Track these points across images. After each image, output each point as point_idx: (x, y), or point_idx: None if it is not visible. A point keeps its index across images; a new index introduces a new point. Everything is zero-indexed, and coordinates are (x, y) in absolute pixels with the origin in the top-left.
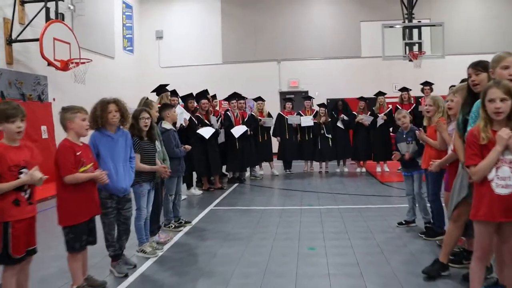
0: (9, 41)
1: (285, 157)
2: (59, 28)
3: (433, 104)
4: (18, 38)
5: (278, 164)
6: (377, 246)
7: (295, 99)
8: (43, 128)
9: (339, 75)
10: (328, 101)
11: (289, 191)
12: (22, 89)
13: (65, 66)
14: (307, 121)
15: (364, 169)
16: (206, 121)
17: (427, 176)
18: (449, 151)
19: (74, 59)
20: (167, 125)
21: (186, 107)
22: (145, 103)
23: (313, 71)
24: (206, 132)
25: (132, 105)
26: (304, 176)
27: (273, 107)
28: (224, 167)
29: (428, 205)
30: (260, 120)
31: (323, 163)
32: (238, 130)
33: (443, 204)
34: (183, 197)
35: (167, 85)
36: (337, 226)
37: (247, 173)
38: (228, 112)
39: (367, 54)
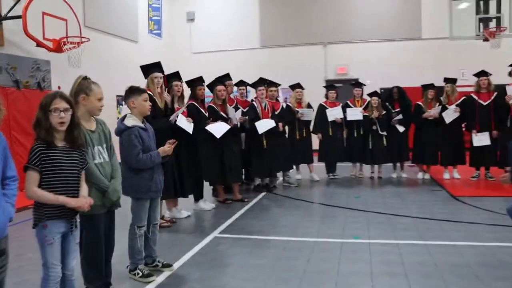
0: None
1: (328, 159)
2: (52, 1)
3: None
4: (9, 15)
5: (320, 166)
6: None
7: (343, 88)
8: None
9: (395, 60)
10: (382, 90)
11: (330, 208)
12: (15, 75)
13: (58, 46)
14: (354, 114)
15: (428, 175)
16: (222, 113)
17: None
18: None
19: (68, 37)
20: (131, 120)
21: (194, 95)
22: (80, 86)
23: (365, 55)
24: (218, 129)
25: None
26: (351, 183)
27: (318, 97)
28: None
29: None
30: (298, 112)
31: (375, 167)
32: (263, 125)
33: None
34: (186, 214)
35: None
36: (397, 285)
37: (280, 178)
38: (254, 102)
39: (428, 35)
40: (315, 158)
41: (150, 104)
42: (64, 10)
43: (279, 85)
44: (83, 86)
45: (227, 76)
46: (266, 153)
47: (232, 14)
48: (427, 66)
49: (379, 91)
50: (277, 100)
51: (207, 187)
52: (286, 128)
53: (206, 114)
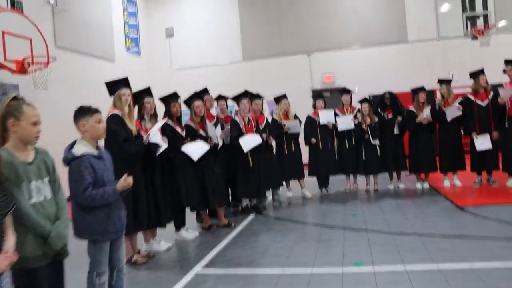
0: None
1: (319, 172)
2: (13, 20)
3: None
4: None
5: (311, 181)
6: None
7: (331, 97)
8: None
9: (383, 65)
10: (371, 97)
11: (325, 229)
12: None
13: (21, 68)
14: (345, 122)
15: (426, 184)
16: (201, 131)
17: None
18: None
19: (34, 57)
20: (81, 146)
21: (168, 113)
22: (8, 108)
23: (351, 63)
24: (195, 150)
25: None
26: (345, 197)
27: (305, 108)
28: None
29: None
30: (284, 125)
31: (371, 178)
32: (248, 141)
33: None
34: (166, 245)
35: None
36: None
37: (269, 197)
38: (236, 117)
39: (415, 37)
40: (306, 172)
41: (104, 126)
42: (29, 29)
43: (263, 97)
44: (12, 108)
45: (205, 91)
46: (252, 171)
47: (212, 28)
48: (415, 69)
49: (368, 97)
50: (262, 113)
51: (190, 213)
52: (273, 142)
53: (183, 134)
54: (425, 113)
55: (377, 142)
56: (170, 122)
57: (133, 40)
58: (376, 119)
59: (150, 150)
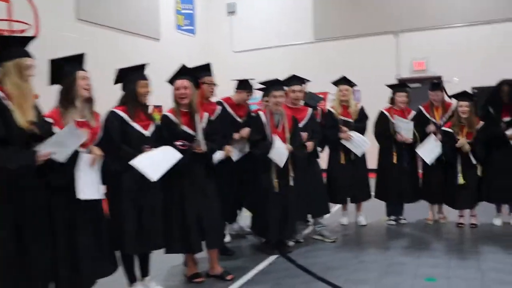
0: None
1: (388, 196)
2: None
3: None
4: None
5: (375, 205)
6: None
7: (421, 89)
8: None
9: (492, 49)
10: (475, 91)
11: None
12: None
13: None
14: (430, 149)
15: None
16: (185, 128)
17: None
18: None
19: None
20: None
21: (129, 97)
22: None
23: (450, 46)
24: (155, 161)
25: None
26: (423, 235)
27: (385, 101)
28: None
29: None
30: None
31: (467, 211)
32: (280, 151)
33: None
34: None
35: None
36: None
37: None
38: (261, 113)
39: None
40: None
41: None
42: None
43: (308, 81)
44: None
45: (204, 68)
46: (276, 200)
47: (280, 3)
48: None
49: (471, 92)
50: (308, 105)
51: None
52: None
53: (146, 132)
54: None
55: (476, 163)
56: (120, 112)
57: (187, 16)
58: (481, 124)
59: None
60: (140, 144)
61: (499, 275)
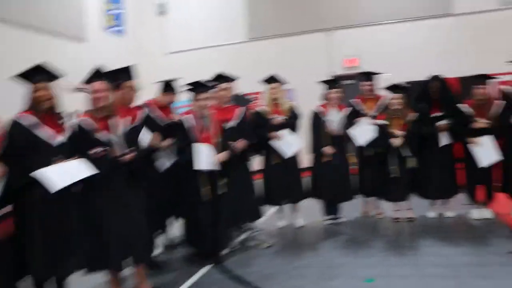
0: None
1: (322, 194)
2: None
3: None
4: None
5: (310, 206)
6: None
7: (355, 86)
8: None
9: (422, 45)
10: (409, 85)
11: None
12: None
13: None
14: (363, 131)
15: (488, 212)
16: (101, 134)
17: None
18: None
19: None
20: None
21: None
22: None
23: (381, 42)
24: (62, 172)
25: None
26: (361, 233)
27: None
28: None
29: None
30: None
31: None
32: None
33: None
34: None
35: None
36: None
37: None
38: (183, 118)
39: (464, 8)
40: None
41: None
42: None
43: (233, 80)
44: None
45: (124, 72)
46: (206, 208)
47: (213, 2)
48: (467, 51)
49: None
50: (238, 104)
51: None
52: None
53: (55, 141)
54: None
55: (411, 156)
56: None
57: (116, 16)
58: (413, 116)
59: None
60: (49, 154)
61: (436, 269)
